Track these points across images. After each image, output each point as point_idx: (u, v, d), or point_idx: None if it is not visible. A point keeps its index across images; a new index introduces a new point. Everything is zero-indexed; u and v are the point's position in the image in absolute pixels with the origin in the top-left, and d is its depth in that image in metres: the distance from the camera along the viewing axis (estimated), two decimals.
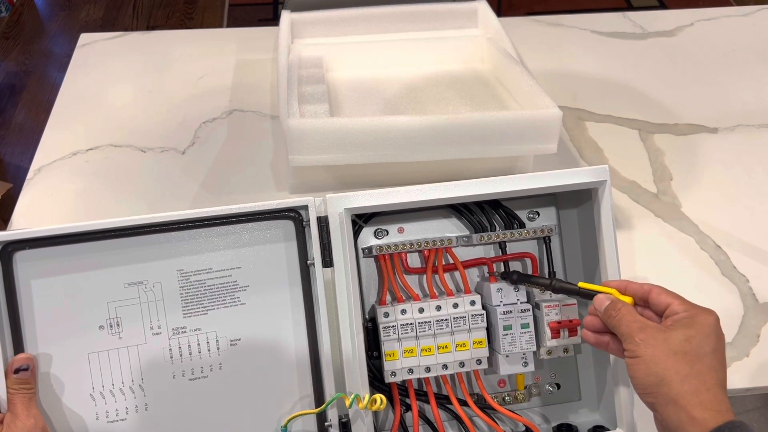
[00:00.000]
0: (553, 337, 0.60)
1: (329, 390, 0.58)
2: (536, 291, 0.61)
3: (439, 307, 0.60)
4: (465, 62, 0.96)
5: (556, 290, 0.59)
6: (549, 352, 0.61)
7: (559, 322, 0.60)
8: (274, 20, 2.47)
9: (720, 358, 0.48)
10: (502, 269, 0.64)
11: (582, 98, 1.00)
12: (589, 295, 0.56)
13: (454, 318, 0.60)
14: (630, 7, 2.66)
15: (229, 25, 2.52)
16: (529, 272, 0.65)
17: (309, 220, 0.58)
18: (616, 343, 0.54)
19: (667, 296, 0.52)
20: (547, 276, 0.61)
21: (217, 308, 0.60)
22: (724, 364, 0.48)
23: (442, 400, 0.62)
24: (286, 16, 0.96)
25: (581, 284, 0.57)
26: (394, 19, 0.98)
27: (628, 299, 0.53)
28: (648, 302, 0.53)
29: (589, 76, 1.04)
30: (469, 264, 0.64)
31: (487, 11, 0.99)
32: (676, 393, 0.46)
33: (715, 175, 0.88)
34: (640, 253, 0.79)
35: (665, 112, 0.98)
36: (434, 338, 0.60)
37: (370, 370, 0.60)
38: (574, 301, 0.60)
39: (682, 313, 0.50)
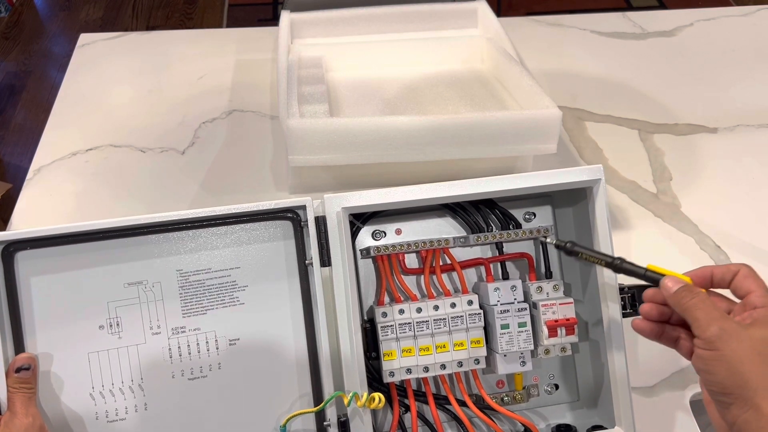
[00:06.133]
0: (550, 336, 0.60)
1: (328, 389, 0.58)
2: (533, 290, 0.61)
3: (436, 307, 0.60)
4: (465, 62, 0.96)
5: (617, 269, 0.54)
6: (547, 352, 0.61)
7: (556, 321, 0.60)
8: (273, 20, 2.48)
9: None
10: (499, 269, 0.64)
11: (582, 98, 1.00)
12: (655, 280, 0.52)
13: (452, 317, 0.60)
14: (630, 7, 2.66)
15: (228, 25, 2.52)
16: (526, 272, 0.65)
17: (307, 221, 0.58)
18: (673, 333, 0.51)
19: (751, 282, 0.49)
20: (608, 254, 0.56)
21: (216, 308, 0.60)
22: None
23: (441, 401, 0.62)
24: (285, 16, 0.96)
25: (650, 266, 0.53)
26: (394, 19, 0.98)
27: (702, 290, 0.50)
28: (731, 284, 0.50)
29: (589, 76, 1.04)
30: (466, 264, 0.64)
31: (486, 11, 0.99)
32: (761, 398, 0.43)
33: (714, 175, 0.88)
34: (639, 253, 0.79)
35: (665, 112, 0.98)
36: (432, 338, 0.60)
37: (368, 370, 0.60)
38: (571, 299, 0.60)
39: (762, 309, 0.47)
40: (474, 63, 0.96)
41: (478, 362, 0.61)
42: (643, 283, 0.54)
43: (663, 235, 0.81)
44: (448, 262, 0.64)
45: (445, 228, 0.65)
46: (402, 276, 0.63)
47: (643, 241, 0.80)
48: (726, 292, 0.52)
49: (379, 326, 0.60)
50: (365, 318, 0.63)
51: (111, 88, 1.00)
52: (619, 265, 0.54)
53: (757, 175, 0.88)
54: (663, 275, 0.51)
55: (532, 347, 0.60)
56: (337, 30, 0.97)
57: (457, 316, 0.60)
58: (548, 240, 0.61)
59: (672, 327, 0.53)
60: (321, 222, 0.58)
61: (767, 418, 0.43)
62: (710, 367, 0.45)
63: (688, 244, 0.80)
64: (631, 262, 0.54)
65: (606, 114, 0.97)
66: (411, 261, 0.65)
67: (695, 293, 0.48)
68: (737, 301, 0.50)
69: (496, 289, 0.61)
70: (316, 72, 0.88)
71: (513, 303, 0.61)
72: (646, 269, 0.53)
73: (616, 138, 0.94)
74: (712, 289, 0.53)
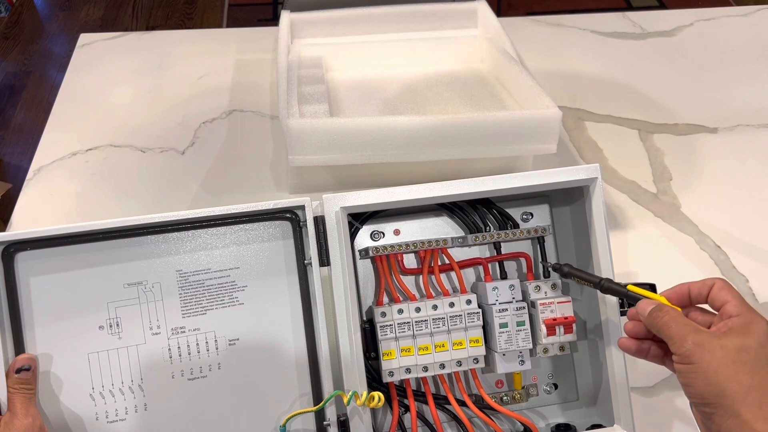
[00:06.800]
0: (549, 335, 0.60)
1: (327, 389, 0.58)
2: (531, 289, 0.61)
3: (435, 307, 0.60)
4: (465, 62, 0.96)
5: (604, 290, 0.57)
6: (545, 351, 0.61)
7: (554, 319, 0.60)
8: (273, 20, 2.48)
9: None
10: (498, 269, 0.65)
11: (582, 98, 1.00)
12: (636, 299, 0.54)
13: (451, 317, 0.60)
14: (630, 7, 2.66)
15: (228, 25, 2.52)
16: (524, 271, 0.65)
17: (306, 221, 0.58)
18: (658, 350, 0.53)
19: (726, 293, 0.50)
20: (596, 275, 0.59)
21: (216, 308, 0.60)
22: None
23: (441, 401, 0.62)
24: (285, 16, 0.96)
25: (630, 287, 0.55)
26: (394, 19, 0.98)
27: (676, 308, 0.51)
28: (708, 297, 0.51)
29: (589, 76, 1.04)
30: (464, 264, 0.64)
31: (486, 11, 0.99)
32: (740, 405, 0.44)
33: (714, 175, 0.88)
34: (639, 253, 0.79)
35: (665, 112, 0.98)
36: (431, 337, 0.60)
37: (368, 371, 0.61)
38: (569, 298, 0.61)
39: (736, 318, 0.48)
40: (474, 63, 0.96)
41: (477, 361, 0.61)
42: (640, 281, 0.55)
43: (663, 235, 0.81)
44: (447, 262, 0.64)
45: (444, 228, 0.65)
46: (401, 276, 0.63)
47: (643, 241, 0.80)
48: (706, 307, 0.53)
49: (378, 326, 0.60)
50: (364, 318, 0.63)
51: (111, 88, 1.00)
52: (605, 285, 0.57)
53: (758, 175, 0.88)
54: (640, 296, 0.53)
55: (530, 346, 0.60)
56: (337, 30, 0.97)
57: (456, 316, 0.60)
58: (548, 264, 0.63)
59: (657, 345, 0.53)
60: (320, 222, 0.58)
61: (748, 425, 0.43)
62: (688, 380, 0.46)
63: (688, 244, 0.80)
64: (616, 282, 0.57)
65: (606, 114, 0.97)
66: (409, 261, 0.65)
67: (666, 311, 0.50)
68: (716, 313, 0.51)
69: (495, 288, 0.61)
70: (316, 72, 0.88)
71: (511, 302, 0.61)
72: (627, 290, 0.55)
73: (616, 138, 0.94)
74: (697, 306, 0.54)
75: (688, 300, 0.53)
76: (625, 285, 0.55)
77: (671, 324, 0.49)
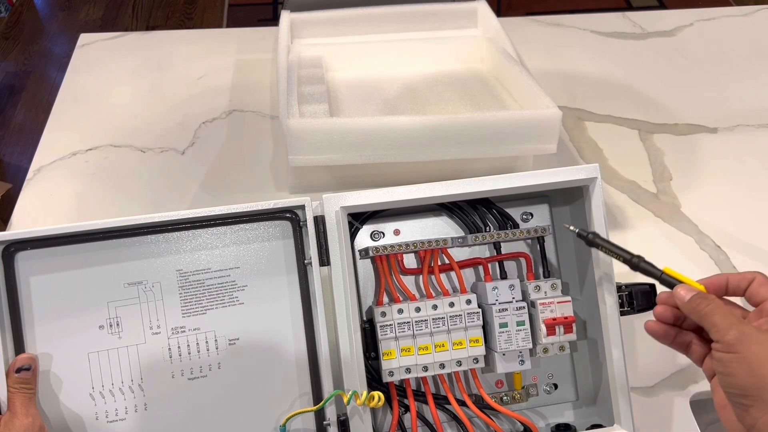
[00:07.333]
0: (548, 334, 0.60)
1: (327, 388, 0.58)
2: (531, 289, 0.61)
3: (435, 306, 0.60)
4: (465, 62, 0.96)
5: (636, 268, 0.54)
6: (545, 350, 0.61)
7: (554, 319, 0.60)
8: (273, 20, 2.48)
9: None
10: (498, 269, 0.64)
11: (582, 98, 1.00)
12: (670, 284, 0.52)
13: (451, 316, 0.60)
14: (630, 7, 2.66)
15: (228, 25, 2.52)
16: (524, 272, 0.65)
17: (306, 220, 0.58)
18: (685, 338, 0.52)
19: (767, 290, 0.49)
20: (628, 251, 0.55)
21: (216, 308, 0.60)
22: None
23: (440, 401, 0.62)
24: (285, 16, 0.96)
25: (666, 269, 0.52)
26: (393, 19, 0.98)
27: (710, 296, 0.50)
28: (746, 291, 0.51)
29: (589, 76, 1.04)
30: (464, 264, 0.64)
31: (486, 11, 0.99)
32: None
33: (714, 175, 0.88)
34: (639, 252, 0.78)
35: (665, 112, 0.98)
36: (431, 337, 0.60)
37: (368, 371, 0.61)
38: (568, 298, 0.61)
39: None
40: (474, 63, 0.96)
41: (477, 361, 0.61)
42: (640, 281, 0.54)
43: (663, 235, 0.81)
44: (447, 262, 0.64)
45: (444, 228, 0.65)
46: (400, 276, 0.63)
47: (642, 241, 0.80)
48: (740, 300, 0.53)
49: (378, 326, 0.60)
50: (364, 318, 0.63)
51: (111, 88, 1.00)
52: (637, 264, 0.53)
53: (758, 175, 0.88)
54: (678, 281, 0.51)
55: (530, 346, 0.60)
56: (337, 30, 0.97)
57: (456, 316, 0.60)
58: (570, 227, 0.58)
59: (684, 332, 0.53)
60: (320, 221, 0.59)
61: None
62: (730, 369, 0.45)
63: (688, 244, 0.80)
64: (649, 262, 0.53)
65: (606, 114, 0.97)
66: (409, 261, 0.65)
67: (710, 300, 0.49)
68: (750, 309, 0.51)
69: (495, 288, 0.61)
70: (316, 72, 0.88)
71: (511, 302, 0.61)
72: (662, 272, 0.52)
73: (616, 138, 0.94)
74: (725, 297, 0.53)
75: (724, 291, 0.52)
76: (661, 268, 0.53)
77: (716, 311, 0.47)
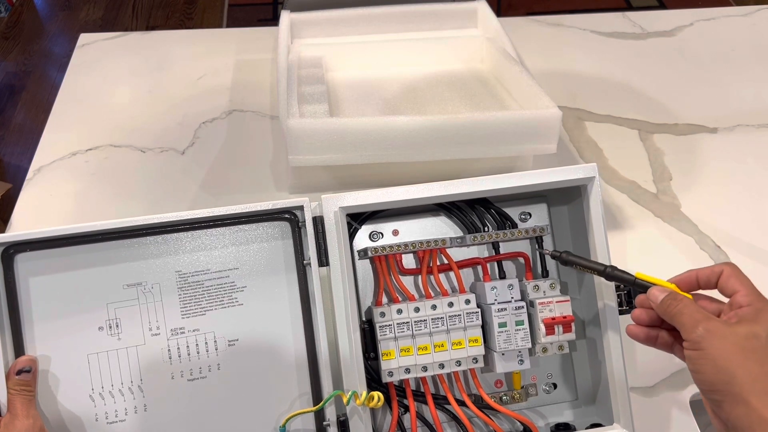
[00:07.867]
0: (547, 334, 0.60)
1: (327, 389, 0.58)
2: (530, 289, 0.61)
3: (434, 306, 0.60)
4: (465, 62, 0.96)
5: (609, 277, 0.57)
6: (544, 350, 0.61)
7: (553, 319, 0.60)
8: (273, 20, 2.48)
9: None
10: (496, 269, 0.65)
11: (582, 98, 1.00)
12: (644, 287, 0.54)
13: (450, 316, 0.60)
14: (630, 7, 2.66)
15: (228, 25, 2.52)
16: (523, 271, 0.65)
17: (305, 221, 0.58)
18: (667, 337, 0.52)
19: (735, 281, 0.50)
20: (600, 263, 0.58)
21: (215, 309, 0.60)
22: None
23: (440, 401, 0.62)
24: (285, 16, 0.96)
25: (638, 274, 0.55)
26: (393, 19, 0.98)
27: (688, 295, 0.52)
28: (717, 284, 0.51)
29: (589, 76, 1.04)
30: (463, 264, 0.64)
31: (486, 11, 0.99)
32: (748, 392, 0.43)
33: (714, 175, 0.88)
34: (639, 252, 0.79)
35: (665, 112, 0.98)
36: (430, 337, 0.60)
37: (367, 371, 0.61)
38: (567, 297, 0.61)
39: (747, 308, 0.48)
40: (474, 63, 0.96)
41: (477, 361, 0.61)
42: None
43: (663, 235, 0.81)
44: (446, 262, 0.64)
45: (442, 228, 0.65)
46: (399, 276, 0.63)
47: (643, 241, 0.80)
48: (714, 293, 0.53)
49: (377, 326, 0.60)
50: (363, 319, 0.63)
51: (111, 88, 1.00)
52: (610, 273, 0.56)
53: (758, 175, 0.88)
54: (650, 284, 0.53)
55: (529, 345, 0.60)
56: (337, 30, 0.97)
57: (455, 315, 0.60)
58: (544, 250, 0.62)
59: (666, 332, 0.53)
60: (318, 222, 0.59)
61: (757, 413, 0.43)
62: (697, 366, 0.46)
63: (688, 244, 0.80)
64: (621, 270, 0.56)
65: (606, 114, 0.97)
66: (408, 261, 0.65)
67: (679, 300, 0.50)
68: (725, 301, 0.51)
69: (493, 288, 0.61)
70: (316, 72, 0.88)
71: (510, 302, 0.61)
72: (635, 277, 0.55)
73: (616, 138, 0.94)
74: (700, 292, 0.54)
75: (696, 286, 0.53)
76: (633, 273, 0.55)
77: (684, 311, 0.49)
